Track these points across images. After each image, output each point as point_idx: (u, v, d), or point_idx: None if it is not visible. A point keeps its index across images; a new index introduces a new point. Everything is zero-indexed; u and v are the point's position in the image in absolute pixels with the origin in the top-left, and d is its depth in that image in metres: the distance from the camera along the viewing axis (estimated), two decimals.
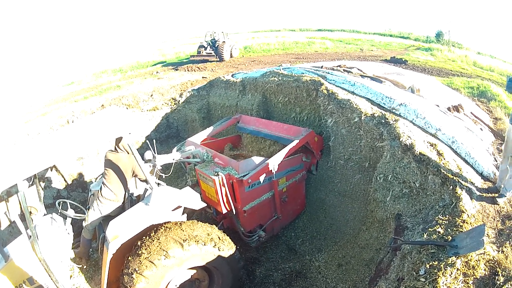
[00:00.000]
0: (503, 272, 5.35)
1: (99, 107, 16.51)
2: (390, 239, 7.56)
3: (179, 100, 17.51)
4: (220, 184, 8.52)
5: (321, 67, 14.44)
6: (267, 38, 45.17)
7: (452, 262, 5.56)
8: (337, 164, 10.60)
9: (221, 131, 12.85)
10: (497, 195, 7.34)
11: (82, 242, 8.45)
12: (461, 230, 6.19)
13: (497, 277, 5.31)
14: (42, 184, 11.68)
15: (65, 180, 12.83)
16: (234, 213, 9.12)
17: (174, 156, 9.33)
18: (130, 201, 8.37)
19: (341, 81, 11.56)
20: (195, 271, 7.64)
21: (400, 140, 8.31)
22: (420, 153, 7.92)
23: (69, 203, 8.25)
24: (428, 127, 9.17)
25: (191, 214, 9.17)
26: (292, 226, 11.03)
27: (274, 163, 9.07)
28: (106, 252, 6.69)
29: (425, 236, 6.49)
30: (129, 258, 6.70)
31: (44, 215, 7.98)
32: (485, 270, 5.51)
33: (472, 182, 7.47)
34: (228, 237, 7.81)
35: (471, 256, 5.61)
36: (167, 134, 17.59)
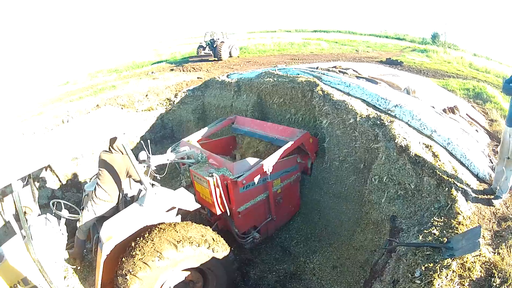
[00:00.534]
0: (499, 274, 5.34)
1: (94, 107, 16.48)
2: (385, 241, 7.58)
3: (174, 101, 17.57)
4: (214, 185, 8.47)
5: (317, 68, 14.41)
6: (262, 38, 45.15)
7: (448, 264, 5.56)
8: (332, 166, 10.56)
9: (216, 132, 12.78)
10: (492, 196, 7.36)
11: (76, 243, 8.42)
12: (457, 232, 6.20)
13: (493, 279, 5.30)
14: (37, 184, 11.62)
15: (59, 180, 12.81)
16: (229, 214, 9.07)
17: (168, 157, 9.25)
18: (124, 201, 8.31)
19: (337, 82, 11.53)
20: (189, 272, 7.62)
21: (396, 141, 8.30)
22: (415, 154, 7.92)
23: (63, 203, 8.18)
24: (424, 128, 9.14)
25: (186, 215, 9.03)
26: (286, 227, 11.01)
27: (268, 164, 9.03)
28: (100, 253, 6.67)
29: (420, 238, 6.49)
30: (123, 259, 6.66)
31: (39, 215, 7.92)
32: (481, 272, 5.51)
33: (467, 184, 7.48)
34: (222, 239, 7.77)
35: (467, 258, 5.61)
36: (162, 135, 17.61)
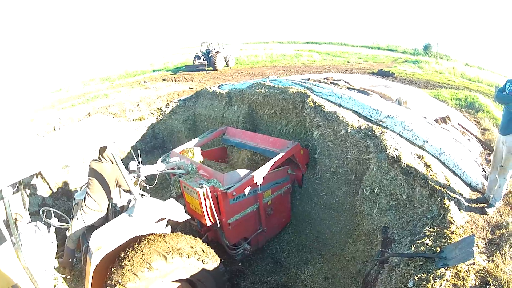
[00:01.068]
0: (494, 282, 5.31)
1: (86, 115, 16.33)
2: (377, 252, 7.52)
3: (165, 111, 17.47)
4: (204, 196, 8.40)
5: (308, 79, 14.37)
6: (255, 50, 45.20)
7: (441, 274, 5.51)
8: (323, 177, 10.54)
9: (207, 143, 12.76)
10: (486, 205, 7.38)
11: (66, 252, 8.35)
12: (450, 241, 6.17)
13: (488, 287, 5.26)
14: (28, 192, 11.56)
15: (50, 188, 12.74)
16: (219, 225, 9.01)
17: (158, 167, 9.09)
18: (114, 211, 8.19)
19: (328, 94, 11.53)
20: (179, 284, 7.53)
21: (387, 152, 8.29)
22: (407, 165, 7.91)
23: (53, 211, 7.91)
24: (416, 139, 9.15)
25: (175, 226, 9.06)
26: (277, 239, 10.95)
27: (259, 175, 9.00)
28: (89, 263, 6.64)
29: (413, 248, 6.44)
30: (113, 269, 6.62)
31: (29, 222, 7.81)
32: (475, 280, 5.47)
33: (460, 193, 7.49)
34: (212, 250, 7.72)
35: (461, 267, 5.57)
36: (152, 145, 17.49)
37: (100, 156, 7.80)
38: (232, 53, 34.32)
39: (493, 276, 5.42)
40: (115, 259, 6.79)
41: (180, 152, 10.77)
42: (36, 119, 16.49)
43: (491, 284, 5.27)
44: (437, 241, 6.31)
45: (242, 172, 9.17)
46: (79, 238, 8.27)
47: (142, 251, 6.64)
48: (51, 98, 23.69)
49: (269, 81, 13.91)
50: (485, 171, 9.05)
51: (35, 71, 40.33)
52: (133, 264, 6.45)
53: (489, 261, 5.90)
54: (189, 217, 8.15)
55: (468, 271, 5.56)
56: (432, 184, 7.41)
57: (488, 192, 7.62)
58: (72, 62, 48.40)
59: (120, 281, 6.34)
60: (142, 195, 8.19)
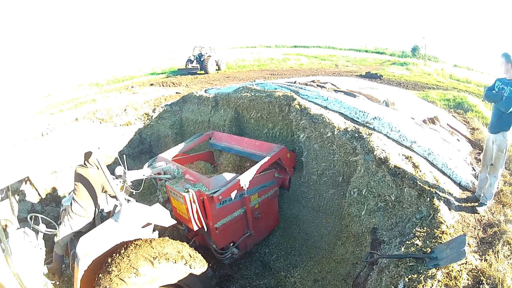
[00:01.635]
0: (488, 281, 5.23)
1: (73, 121, 16.15)
2: (366, 254, 7.44)
3: (152, 116, 17.37)
4: (190, 200, 8.34)
5: (294, 82, 14.41)
6: (242, 54, 45.25)
7: (433, 274, 5.44)
8: (310, 180, 10.47)
9: (194, 147, 12.65)
10: (477, 204, 7.36)
11: (54, 258, 8.27)
12: (440, 241, 6.10)
13: (481, 286, 5.18)
14: (17, 198, 11.43)
15: (39, 194, 12.51)
16: (206, 230, 8.93)
17: (144, 172, 9.06)
18: (101, 217, 8.17)
19: (314, 96, 11.48)
20: None
21: (374, 153, 8.25)
22: (395, 166, 7.86)
23: (41, 217, 7.96)
24: (403, 139, 9.13)
25: (163, 231, 9.09)
26: (266, 242, 10.89)
27: (245, 179, 8.95)
28: (76, 269, 6.60)
29: (402, 249, 6.38)
30: (100, 275, 6.56)
31: (18, 228, 7.78)
32: (468, 280, 5.39)
33: (450, 193, 7.46)
34: (199, 255, 7.70)
35: (453, 267, 5.50)
36: (140, 150, 17.37)
37: (86, 161, 7.78)
38: (223, 57, 35.02)
39: (486, 275, 5.35)
40: (102, 265, 6.75)
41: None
42: (25, 125, 16.35)
43: (485, 283, 5.19)
44: (427, 242, 6.23)
45: (228, 176, 9.09)
46: (67, 244, 8.18)
47: (128, 257, 6.59)
48: (40, 103, 23.55)
49: (255, 84, 13.86)
50: (475, 170, 9.06)
51: (24, 77, 40.13)
52: (120, 270, 6.39)
53: (481, 260, 5.83)
54: (175, 221, 8.09)
55: (460, 270, 5.49)
56: (421, 184, 7.37)
57: (478, 191, 7.63)
58: (60, 67, 48.20)
59: (107, 287, 6.28)
60: (128, 200, 8.12)
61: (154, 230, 7.80)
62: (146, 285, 6.66)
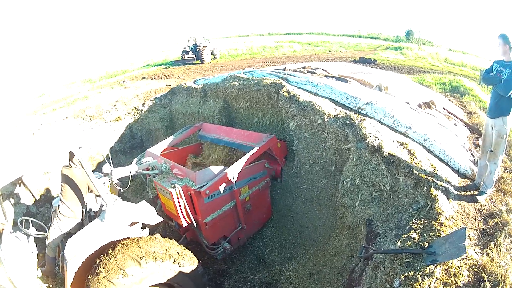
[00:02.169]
0: (489, 277, 4.94)
1: (64, 119, 15.87)
2: (360, 248, 7.11)
3: (142, 110, 17.14)
4: (177, 196, 8.10)
5: (284, 69, 14.15)
6: (235, 43, 45.09)
7: (430, 271, 5.14)
8: (302, 169, 10.24)
9: (184, 140, 12.55)
10: (477, 192, 7.06)
11: (47, 260, 8.24)
12: (439, 234, 5.79)
13: (483, 283, 4.87)
14: (12, 201, 11.37)
15: (33, 195, 12.41)
16: (195, 225, 8.72)
17: (130, 169, 8.82)
18: (89, 217, 8.09)
19: (303, 83, 11.19)
20: None
21: (367, 141, 7.92)
22: (389, 154, 7.54)
23: (31, 221, 8.00)
24: (398, 125, 8.82)
25: (154, 228, 8.96)
26: (259, 235, 10.73)
27: (233, 172, 8.69)
28: (66, 271, 6.67)
29: (398, 243, 6.08)
30: (89, 276, 6.53)
31: (11, 233, 7.70)
32: (468, 276, 5.09)
33: (448, 181, 7.15)
34: (189, 252, 7.61)
35: (452, 263, 5.19)
36: (131, 145, 17.12)
37: (70, 161, 7.73)
38: (218, 46, 35.67)
39: (488, 271, 5.05)
40: (91, 266, 6.73)
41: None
42: (18, 126, 16.11)
43: (486, 280, 4.88)
44: (425, 235, 5.92)
45: (215, 169, 8.86)
46: (59, 246, 8.11)
47: (115, 257, 6.56)
48: (34, 103, 23.34)
49: (243, 73, 13.63)
50: (473, 156, 8.79)
51: (18, 77, 39.98)
52: (108, 271, 6.36)
53: (483, 254, 5.53)
54: (161, 219, 7.98)
55: (460, 266, 5.18)
56: (417, 173, 7.05)
57: (478, 178, 7.32)
58: (54, 65, 48.07)
59: None
60: (116, 199, 8.12)
61: (144, 228, 7.83)
62: (134, 285, 6.61)
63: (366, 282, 6.34)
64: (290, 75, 12.32)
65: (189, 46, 33.85)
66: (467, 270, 5.14)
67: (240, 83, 12.33)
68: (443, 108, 11.65)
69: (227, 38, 59.12)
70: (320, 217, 9.76)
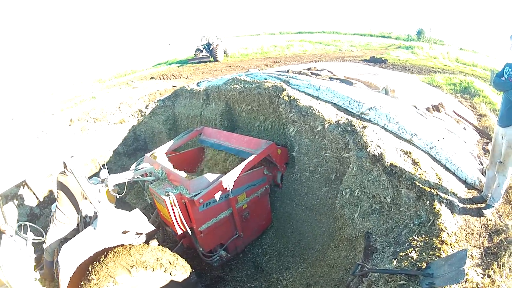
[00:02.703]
0: None
1: (69, 122, 15.83)
2: (355, 265, 6.80)
3: (145, 112, 17.05)
4: (171, 204, 8.06)
5: (287, 71, 13.94)
6: (245, 42, 44.98)
7: None
8: (302, 176, 10.03)
9: (188, 142, 12.59)
10: (483, 205, 6.66)
11: (45, 264, 8.27)
12: (439, 254, 5.44)
13: None
14: (16, 202, 11.45)
15: (36, 197, 12.50)
16: (190, 233, 8.71)
17: (126, 176, 8.77)
18: (84, 223, 8.15)
19: (305, 86, 10.94)
20: None
21: (368, 150, 7.60)
22: (391, 164, 7.20)
23: (29, 225, 8.12)
24: (403, 132, 8.49)
25: (152, 233, 8.89)
26: (259, 242, 10.63)
27: (228, 180, 8.56)
28: (59, 278, 6.74)
29: (394, 263, 5.77)
30: (82, 283, 6.64)
31: (10, 236, 7.75)
32: None
33: (454, 193, 6.78)
34: (182, 261, 7.72)
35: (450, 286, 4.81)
36: (134, 147, 17.05)
37: (65, 169, 7.76)
38: (229, 45, 36.47)
39: None
40: (85, 272, 6.82)
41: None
42: (25, 127, 16.05)
43: None
44: (424, 254, 5.58)
45: (210, 177, 8.70)
46: (56, 250, 8.10)
47: (107, 265, 6.67)
48: (44, 103, 23.24)
49: (245, 75, 13.47)
50: (482, 164, 8.36)
51: (30, 77, 40.14)
52: (99, 279, 6.48)
53: (484, 275, 5.19)
54: (154, 228, 8.08)
55: None
56: (420, 185, 6.67)
57: (485, 190, 6.90)
58: (67, 65, 48.33)
59: None
60: (109, 206, 8.11)
61: (140, 235, 7.85)
62: None
63: None
64: (292, 77, 12.09)
65: (202, 45, 34.63)
66: None
67: (242, 86, 12.13)
68: (453, 111, 11.28)
69: (238, 37, 59.15)
70: (320, 226, 9.54)
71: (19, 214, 11.36)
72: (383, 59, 23.59)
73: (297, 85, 11.08)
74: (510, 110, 6.02)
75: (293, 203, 10.38)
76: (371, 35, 44.55)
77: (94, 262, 6.79)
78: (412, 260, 5.52)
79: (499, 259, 5.38)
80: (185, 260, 7.87)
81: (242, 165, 8.87)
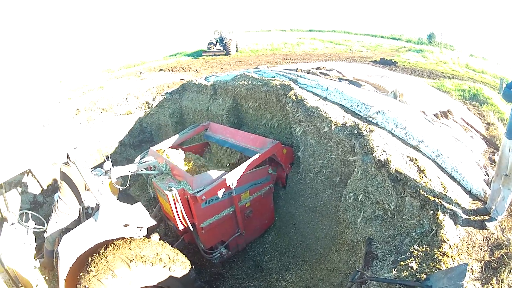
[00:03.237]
0: None
1: (75, 111, 15.86)
2: (354, 272, 6.75)
3: (152, 104, 17.06)
4: (174, 200, 8.09)
5: (296, 69, 13.80)
6: (256, 38, 44.89)
7: None
8: (307, 177, 9.94)
9: (189, 139, 12.57)
10: (487, 218, 6.55)
11: (45, 253, 8.39)
12: (439, 266, 5.40)
13: None
14: (19, 190, 11.48)
15: (40, 185, 12.60)
16: (192, 229, 8.75)
17: (130, 169, 8.84)
18: (86, 214, 8.12)
19: (313, 85, 10.80)
20: None
21: (374, 154, 7.48)
22: (396, 170, 7.08)
23: (31, 214, 8.19)
24: (410, 138, 8.35)
25: (154, 227, 8.72)
26: (260, 241, 10.63)
27: (232, 178, 8.54)
28: (58, 268, 6.74)
29: (394, 272, 5.74)
30: (81, 274, 6.67)
31: (12, 224, 7.91)
32: None
33: (458, 204, 6.67)
34: (182, 256, 7.68)
35: None
36: (140, 139, 17.11)
37: (69, 160, 7.72)
38: (239, 40, 36.63)
39: None
40: (84, 264, 6.82)
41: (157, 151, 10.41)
42: (31, 115, 16.06)
43: None
44: (424, 265, 5.55)
45: (214, 174, 8.66)
46: (57, 240, 8.09)
47: (106, 258, 6.68)
48: (52, 91, 23.26)
49: (254, 72, 13.37)
50: (488, 175, 8.23)
51: (40, 64, 40.16)
52: (98, 271, 6.50)
53: None
54: (155, 222, 7.98)
55: None
56: (425, 193, 6.58)
57: (490, 202, 6.75)
58: (77, 53, 48.22)
59: (86, 286, 6.44)
60: (111, 199, 8.15)
61: (141, 228, 7.78)
62: (123, 286, 6.74)
63: None
64: (300, 76, 11.96)
65: (215, 39, 34.97)
66: None
67: (249, 82, 12.03)
68: (461, 118, 11.19)
69: (249, 32, 58.71)
70: (322, 229, 9.44)
71: (22, 201, 11.35)
72: (393, 61, 23.58)
73: (305, 84, 10.97)
74: None
75: (296, 204, 10.32)
76: (382, 37, 44.37)
77: (94, 254, 6.78)
78: (412, 270, 5.49)
79: (498, 274, 5.33)
80: (186, 256, 7.83)
81: (247, 163, 8.81)
